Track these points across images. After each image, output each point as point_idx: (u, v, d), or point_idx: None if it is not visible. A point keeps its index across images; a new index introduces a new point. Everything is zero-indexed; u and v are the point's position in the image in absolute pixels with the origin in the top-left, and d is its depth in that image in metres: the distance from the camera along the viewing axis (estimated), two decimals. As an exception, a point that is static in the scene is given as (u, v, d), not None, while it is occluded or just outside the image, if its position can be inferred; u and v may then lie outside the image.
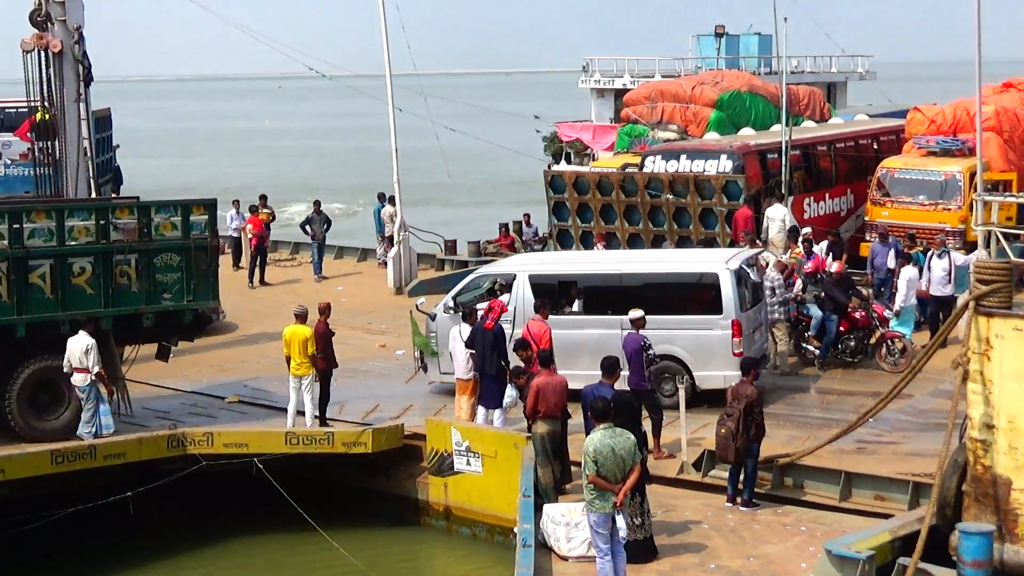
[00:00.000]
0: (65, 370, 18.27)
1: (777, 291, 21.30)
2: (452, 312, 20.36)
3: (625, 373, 16.73)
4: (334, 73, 34.30)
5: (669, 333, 19.07)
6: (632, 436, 12.98)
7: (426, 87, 34.75)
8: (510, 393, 17.93)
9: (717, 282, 19.30)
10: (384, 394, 21.15)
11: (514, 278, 20.39)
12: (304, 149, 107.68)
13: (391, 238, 32.28)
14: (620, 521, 12.69)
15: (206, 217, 19.84)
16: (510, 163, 57.60)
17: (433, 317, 20.69)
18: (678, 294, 19.93)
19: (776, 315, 21.29)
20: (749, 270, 20.26)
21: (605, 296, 19.84)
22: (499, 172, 76.02)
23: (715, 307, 19.12)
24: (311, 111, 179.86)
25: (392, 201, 32.43)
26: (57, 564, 17.57)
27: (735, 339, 18.93)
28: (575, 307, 20.33)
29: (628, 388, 16.75)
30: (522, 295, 20.03)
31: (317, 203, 34.35)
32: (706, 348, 18.95)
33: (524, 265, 21.43)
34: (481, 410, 18.27)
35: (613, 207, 27.97)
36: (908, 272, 22.89)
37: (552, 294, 20.01)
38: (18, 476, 17.00)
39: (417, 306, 21.59)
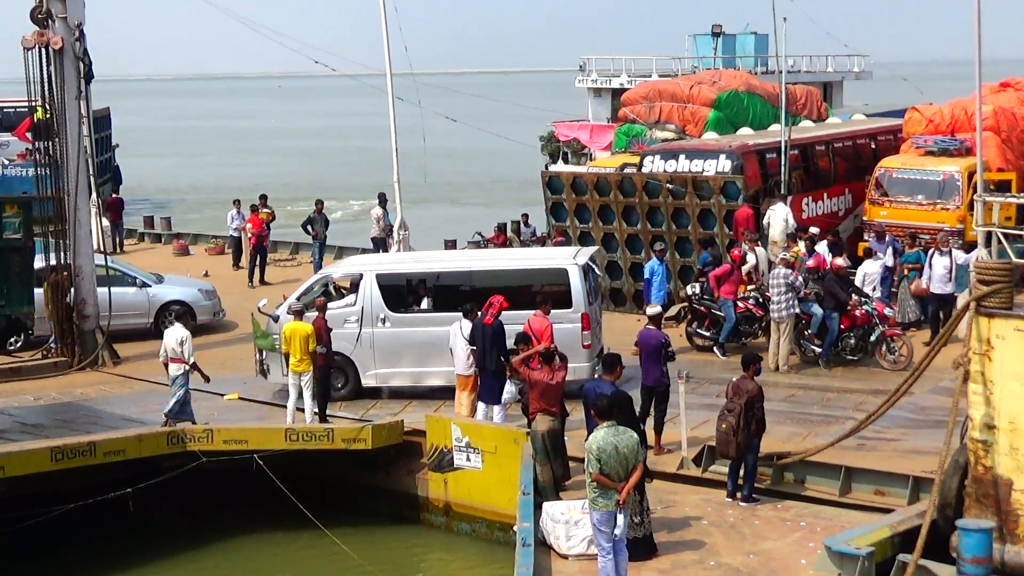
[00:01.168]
0: (161, 360, 18.85)
1: (797, 287, 21.42)
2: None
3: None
4: (341, 69, 34.24)
5: (520, 328, 19.43)
6: (635, 434, 12.95)
7: (428, 86, 34.68)
8: (509, 389, 17.99)
9: (566, 278, 19.85)
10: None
11: (361, 277, 20.52)
12: (310, 149, 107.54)
13: (376, 239, 32.26)
14: (620, 519, 12.67)
15: (19, 217, 19.23)
16: (518, 163, 57.76)
17: (276, 319, 20.57)
18: (528, 290, 20.23)
19: (784, 312, 21.36)
20: (594, 266, 20.81)
21: (455, 294, 20.06)
22: (508, 172, 76.01)
23: (564, 302, 19.54)
24: (314, 110, 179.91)
25: (384, 203, 32.40)
26: (56, 561, 17.54)
27: (584, 331, 19.47)
28: (424, 305, 20.48)
29: (646, 384, 17.00)
30: (369, 294, 20.24)
31: (319, 203, 34.39)
32: (557, 342, 19.05)
33: (371, 264, 21.54)
34: (481, 406, 18.30)
35: (611, 207, 27.94)
36: (867, 266, 23.18)
37: (400, 293, 20.14)
38: (17, 473, 16.92)
39: (259, 308, 21.44)
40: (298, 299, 20.54)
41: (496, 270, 21.17)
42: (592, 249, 22.08)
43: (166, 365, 18.82)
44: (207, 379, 19.19)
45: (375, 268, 20.88)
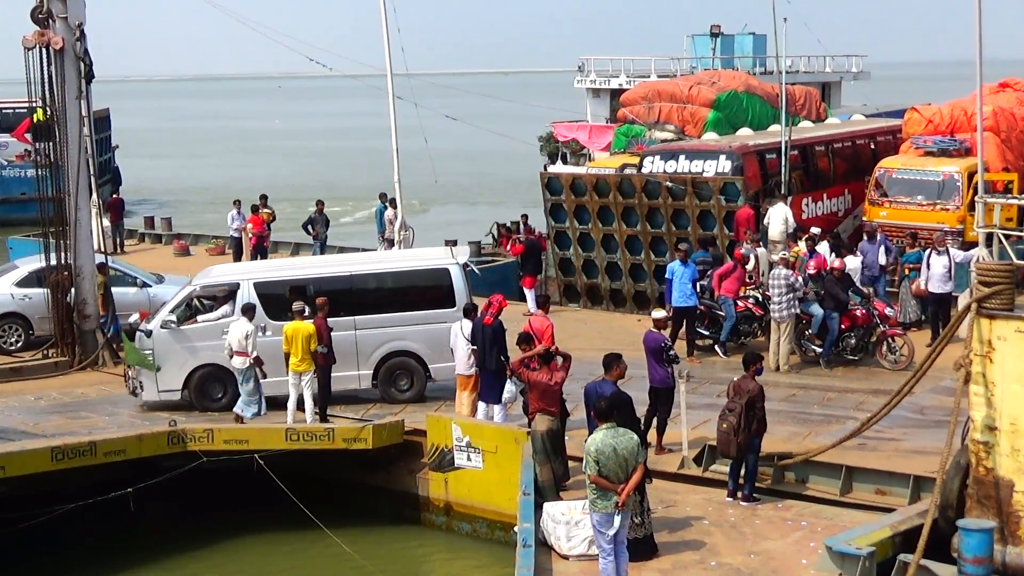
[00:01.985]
0: (225, 353, 19.11)
1: (797, 287, 21.44)
2: (173, 327, 20.00)
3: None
4: (340, 69, 34.24)
5: (403, 329, 19.87)
6: (635, 436, 12.91)
7: (434, 86, 34.71)
8: (510, 388, 17.98)
9: (448, 277, 20.04)
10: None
11: (238, 287, 20.26)
12: (316, 149, 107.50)
13: (392, 241, 32.31)
14: (617, 521, 12.61)
15: None
16: (527, 163, 57.81)
17: (148, 334, 20.15)
18: (409, 291, 20.31)
19: (785, 312, 21.35)
20: (471, 264, 21.22)
21: (337, 298, 19.86)
22: (518, 173, 76.02)
23: (447, 301, 19.64)
24: (316, 111, 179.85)
25: (393, 203, 32.44)
26: (57, 561, 17.54)
27: None
28: (305, 312, 19.98)
29: (653, 385, 16.97)
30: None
31: (320, 203, 34.43)
32: (440, 341, 19.29)
33: (248, 273, 21.23)
34: (481, 405, 18.31)
35: (611, 208, 27.94)
36: (850, 262, 23.24)
37: (280, 301, 19.91)
38: (18, 473, 16.92)
39: (131, 324, 21.17)
40: (171, 312, 20.20)
41: (376, 272, 21.07)
42: (467, 248, 22.34)
43: (230, 357, 19.06)
44: (264, 375, 19.23)
45: (253, 277, 20.55)
